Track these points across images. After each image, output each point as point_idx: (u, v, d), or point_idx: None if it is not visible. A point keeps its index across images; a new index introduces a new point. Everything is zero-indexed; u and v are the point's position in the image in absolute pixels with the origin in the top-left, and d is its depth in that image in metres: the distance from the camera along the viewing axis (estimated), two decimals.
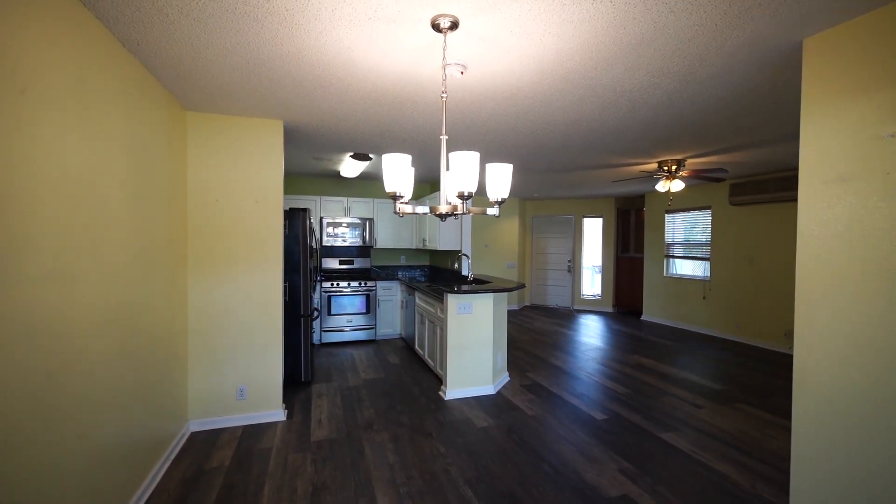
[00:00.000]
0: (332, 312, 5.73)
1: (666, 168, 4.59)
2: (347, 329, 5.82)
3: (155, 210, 2.44)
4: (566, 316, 8.04)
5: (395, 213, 1.65)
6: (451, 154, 1.58)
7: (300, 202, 5.90)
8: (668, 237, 7.34)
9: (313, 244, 4.38)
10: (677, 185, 4.63)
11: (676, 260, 7.26)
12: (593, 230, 8.83)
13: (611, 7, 1.64)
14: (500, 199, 1.66)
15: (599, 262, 8.77)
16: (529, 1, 1.61)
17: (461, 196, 1.59)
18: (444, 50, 1.80)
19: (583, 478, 2.53)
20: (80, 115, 1.66)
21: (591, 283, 9.03)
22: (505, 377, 4.33)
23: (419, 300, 4.91)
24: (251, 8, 1.68)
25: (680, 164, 4.52)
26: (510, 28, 1.81)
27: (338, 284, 5.75)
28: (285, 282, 3.90)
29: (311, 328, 4.19)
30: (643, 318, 7.77)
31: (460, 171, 1.56)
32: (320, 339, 5.72)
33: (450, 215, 1.69)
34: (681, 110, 2.86)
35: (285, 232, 3.79)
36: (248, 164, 3.20)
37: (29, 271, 1.37)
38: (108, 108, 1.88)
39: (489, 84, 2.46)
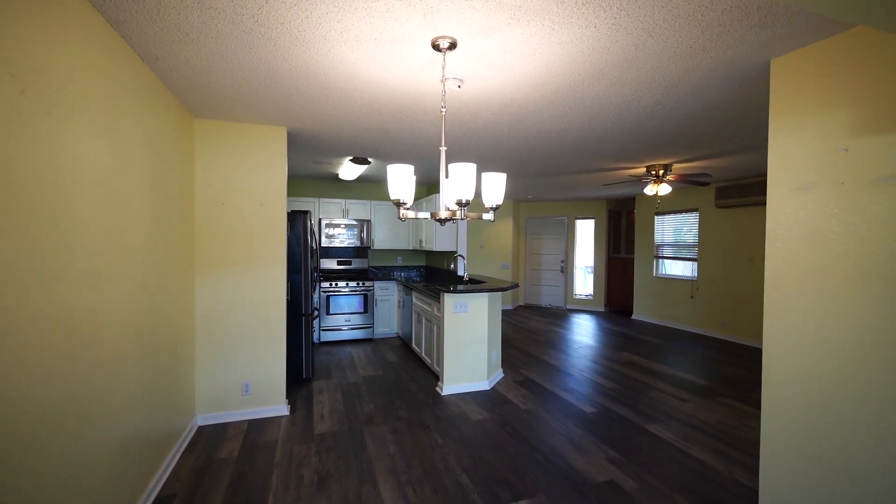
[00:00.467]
0: (331, 312, 5.86)
1: (654, 172, 4.78)
2: (345, 328, 5.96)
3: (168, 213, 2.57)
4: (559, 315, 8.23)
5: (399, 218, 1.80)
6: (450, 165, 1.74)
7: (299, 204, 6.02)
8: (658, 238, 7.55)
9: (314, 245, 4.52)
10: (664, 189, 4.82)
11: (665, 261, 7.47)
12: (586, 231, 9.04)
13: (595, 32, 1.80)
14: (494, 206, 1.82)
15: (591, 263, 8.97)
16: (522, 26, 1.77)
17: (460, 203, 1.74)
18: (444, 68, 1.96)
19: (572, 465, 2.69)
20: (108, 126, 1.79)
21: (584, 284, 9.23)
22: (499, 374, 4.50)
23: (416, 300, 5.06)
24: (265, 29, 1.83)
25: (667, 168, 4.72)
26: (504, 48, 1.97)
27: (336, 284, 5.88)
28: (287, 282, 4.03)
29: (312, 327, 4.33)
30: (634, 317, 7.97)
31: (459, 181, 1.71)
32: (319, 338, 5.85)
33: (449, 220, 1.85)
34: (664, 121, 3.05)
35: (287, 233, 3.92)
36: (253, 168, 3.33)
37: (67, 272, 1.51)
38: (129, 119, 2.02)
39: (484, 96, 2.62)
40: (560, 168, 5.01)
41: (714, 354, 5.48)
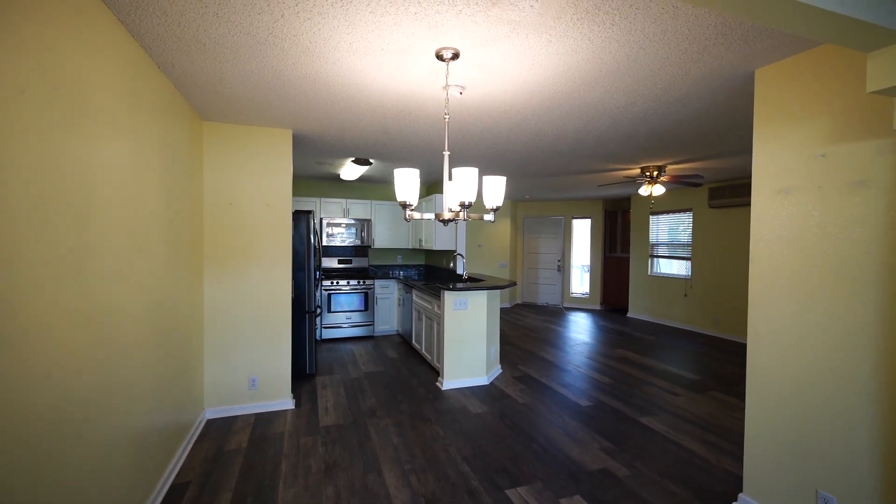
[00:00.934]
0: (332, 310, 5.97)
1: (648, 173, 4.91)
2: (346, 326, 6.07)
3: (179, 213, 2.68)
4: (556, 313, 8.37)
5: (405, 219, 1.91)
6: (454, 169, 1.85)
7: (302, 204, 6.12)
8: (653, 238, 7.69)
9: (316, 244, 4.62)
10: (658, 190, 4.95)
11: (660, 259, 7.62)
12: (582, 231, 9.18)
13: (589, 44, 1.92)
14: (494, 207, 1.93)
15: (588, 262, 9.11)
16: (521, 38, 1.88)
17: (462, 205, 1.86)
18: (447, 76, 2.07)
19: (568, 455, 2.82)
20: (129, 131, 1.90)
21: (580, 282, 9.37)
22: (498, 369, 4.62)
23: (416, 297, 5.18)
24: (279, 40, 1.94)
25: (661, 169, 4.85)
26: (504, 58, 2.09)
27: (337, 283, 5.99)
28: (291, 280, 4.14)
29: (315, 324, 4.44)
30: (629, 315, 8.12)
31: (461, 184, 1.83)
32: (321, 336, 5.96)
33: (452, 221, 1.96)
34: (656, 125, 3.17)
35: (291, 233, 4.02)
36: (259, 169, 3.44)
37: (96, 270, 1.61)
38: (147, 124, 2.12)
39: (485, 102, 2.73)
40: (557, 169, 5.14)
41: (706, 351, 5.63)
